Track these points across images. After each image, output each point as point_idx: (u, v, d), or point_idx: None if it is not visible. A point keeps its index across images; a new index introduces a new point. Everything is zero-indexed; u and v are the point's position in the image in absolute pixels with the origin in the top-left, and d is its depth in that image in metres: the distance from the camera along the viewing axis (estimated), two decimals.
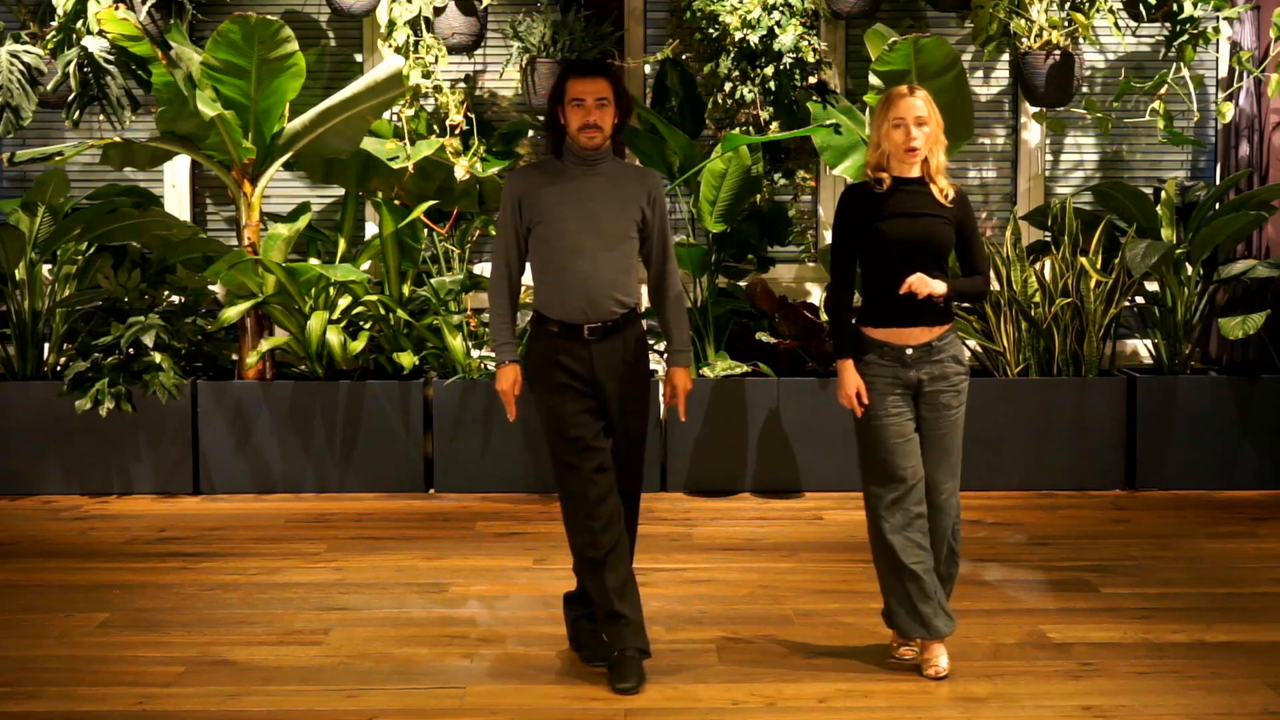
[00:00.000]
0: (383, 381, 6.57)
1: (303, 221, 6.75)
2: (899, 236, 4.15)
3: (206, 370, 6.77)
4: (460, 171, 6.67)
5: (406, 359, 6.53)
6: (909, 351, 4.17)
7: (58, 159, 6.52)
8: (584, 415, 4.18)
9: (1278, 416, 6.61)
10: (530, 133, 7.17)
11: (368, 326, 6.70)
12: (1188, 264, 6.71)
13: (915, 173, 4.19)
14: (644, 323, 4.40)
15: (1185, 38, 6.70)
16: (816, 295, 7.16)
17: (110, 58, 6.42)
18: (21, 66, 6.43)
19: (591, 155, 4.23)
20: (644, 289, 4.66)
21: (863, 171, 4.31)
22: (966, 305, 6.74)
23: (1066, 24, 6.56)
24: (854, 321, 4.25)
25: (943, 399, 4.18)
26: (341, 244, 6.90)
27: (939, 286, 4.11)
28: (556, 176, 4.25)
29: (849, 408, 4.18)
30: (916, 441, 4.19)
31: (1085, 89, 7.19)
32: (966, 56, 7.13)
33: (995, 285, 6.67)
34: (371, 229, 7.24)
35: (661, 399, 4.91)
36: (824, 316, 6.57)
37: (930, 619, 4.15)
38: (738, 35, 6.44)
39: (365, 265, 6.85)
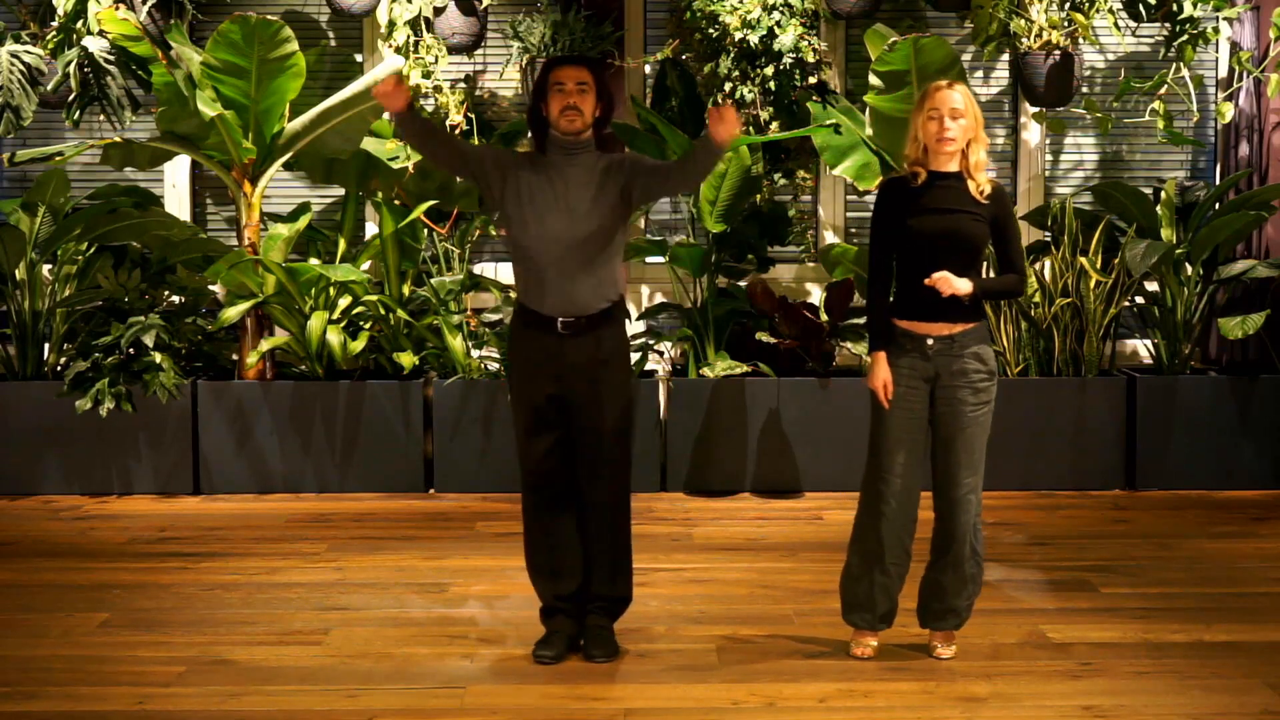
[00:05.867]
0: (383, 381, 6.57)
1: (303, 221, 6.75)
2: (928, 232, 4.14)
3: (206, 370, 6.77)
4: None
5: (406, 359, 6.53)
6: (929, 342, 4.17)
7: (58, 159, 6.52)
8: (544, 428, 4.26)
9: (1278, 416, 6.61)
10: (530, 133, 7.16)
11: (368, 326, 6.70)
12: (1188, 264, 6.71)
13: (953, 167, 4.18)
14: (626, 321, 4.39)
15: (1185, 38, 6.70)
16: (816, 295, 7.15)
17: (110, 58, 6.42)
18: (21, 66, 6.43)
19: (572, 143, 4.25)
20: (632, 287, 4.64)
21: (902, 164, 4.32)
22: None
23: (1066, 24, 6.55)
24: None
25: (960, 394, 4.18)
26: (341, 244, 6.90)
27: (963, 286, 4.09)
28: (539, 167, 4.28)
29: (876, 392, 4.19)
30: (917, 444, 4.21)
31: (1085, 89, 7.19)
32: (966, 56, 7.13)
33: None
34: (371, 229, 7.24)
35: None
36: (824, 317, 6.58)
37: (859, 610, 4.32)
38: (738, 35, 6.44)
39: (365, 265, 6.85)
